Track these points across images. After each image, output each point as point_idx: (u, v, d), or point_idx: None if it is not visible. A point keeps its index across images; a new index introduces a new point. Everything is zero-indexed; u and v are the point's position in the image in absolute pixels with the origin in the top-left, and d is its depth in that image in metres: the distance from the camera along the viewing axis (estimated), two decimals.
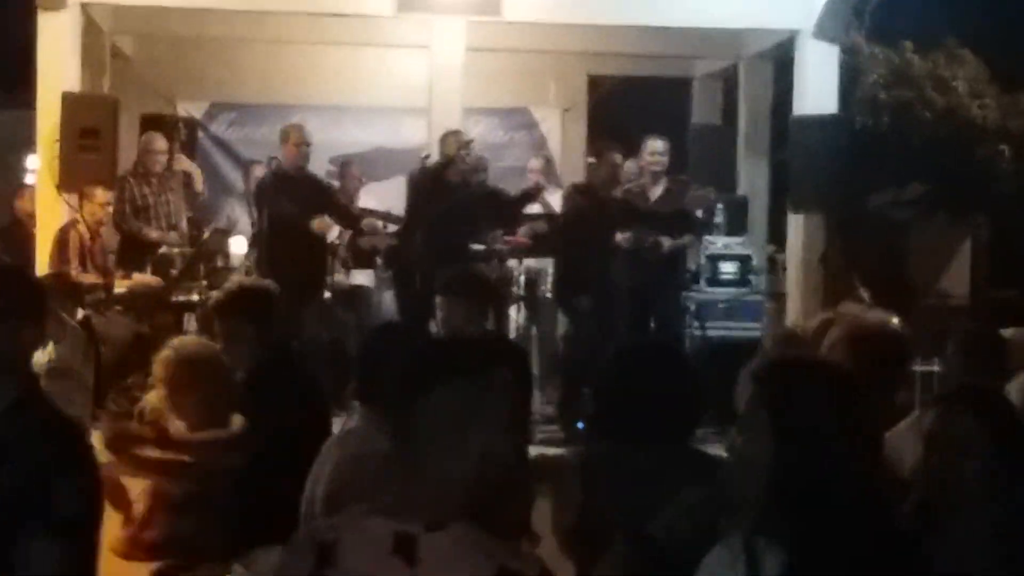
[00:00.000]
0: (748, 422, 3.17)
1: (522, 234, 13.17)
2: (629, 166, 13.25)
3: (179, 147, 14.46)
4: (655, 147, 12.41)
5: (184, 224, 13.36)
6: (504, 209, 12.91)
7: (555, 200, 13.37)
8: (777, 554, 3.02)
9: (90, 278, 12.05)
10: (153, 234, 12.93)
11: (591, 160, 12.51)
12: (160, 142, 13.33)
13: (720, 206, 13.93)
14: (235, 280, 9.01)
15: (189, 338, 8.05)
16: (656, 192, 12.43)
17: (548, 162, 15.41)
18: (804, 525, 3.02)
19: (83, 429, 4.36)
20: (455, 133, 12.45)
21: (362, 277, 13.52)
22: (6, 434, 3.51)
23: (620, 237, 12.14)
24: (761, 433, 3.10)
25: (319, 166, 14.50)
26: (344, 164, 14.45)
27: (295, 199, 11.95)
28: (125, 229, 13.05)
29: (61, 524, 3.42)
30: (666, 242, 12.23)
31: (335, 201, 12.79)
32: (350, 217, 13.03)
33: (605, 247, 12.07)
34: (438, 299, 7.10)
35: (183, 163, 14.43)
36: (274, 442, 5.47)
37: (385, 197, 14.40)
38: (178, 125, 15.18)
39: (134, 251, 12.89)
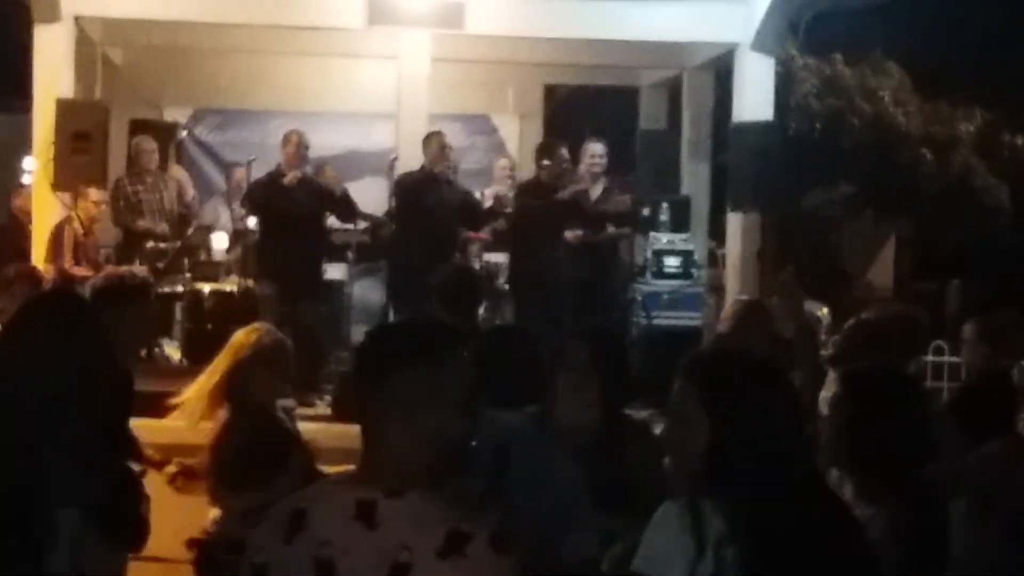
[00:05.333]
0: (678, 411, 3.28)
1: (484, 231, 13.23)
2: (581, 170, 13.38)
3: (173, 150, 14.42)
4: (595, 150, 12.61)
5: (176, 218, 13.35)
6: (475, 212, 12.94)
7: None
8: (720, 517, 3.07)
9: (83, 271, 12.05)
10: (144, 224, 12.93)
11: (545, 163, 12.50)
12: (149, 143, 13.36)
13: (665, 205, 13.97)
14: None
15: None
16: (597, 191, 12.55)
17: (511, 165, 15.45)
18: (740, 496, 3.10)
19: None
20: (437, 134, 12.39)
21: (335, 271, 13.50)
22: None
23: (569, 235, 12.27)
24: (691, 418, 3.20)
25: None
26: (319, 166, 14.44)
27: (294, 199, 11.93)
28: (120, 223, 13.06)
29: None
30: (609, 230, 12.38)
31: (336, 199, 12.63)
32: (351, 214, 12.84)
33: (552, 242, 12.14)
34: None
35: (177, 172, 14.41)
36: None
37: (357, 197, 14.39)
38: (169, 129, 15.17)
39: (132, 247, 12.89)
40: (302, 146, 12.16)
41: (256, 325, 6.17)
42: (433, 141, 12.33)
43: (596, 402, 4.78)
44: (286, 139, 12.30)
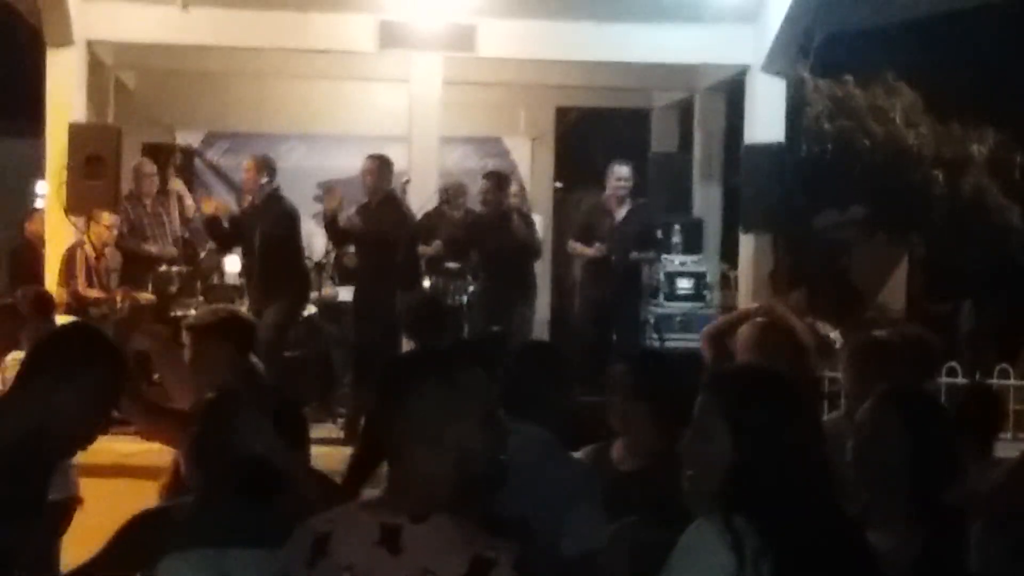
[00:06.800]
0: (701, 426, 3.26)
1: None
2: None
3: (174, 171, 14.37)
4: (621, 172, 12.62)
5: (180, 242, 13.35)
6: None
7: (538, 221, 13.58)
8: (754, 532, 3.05)
9: (95, 293, 12.10)
10: (152, 249, 12.93)
11: (558, 185, 12.54)
12: (149, 166, 13.33)
13: (677, 227, 14.00)
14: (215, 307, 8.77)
15: None
16: (621, 212, 12.56)
17: (520, 188, 15.44)
18: (765, 512, 3.09)
19: None
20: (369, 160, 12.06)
21: (345, 293, 13.51)
22: None
23: (593, 248, 12.32)
24: (714, 433, 3.20)
25: (309, 191, 14.59)
26: (328, 188, 14.43)
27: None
28: (124, 247, 13.06)
29: None
30: (633, 255, 12.39)
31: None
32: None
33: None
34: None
35: (177, 184, 14.35)
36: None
37: None
38: (176, 152, 15.16)
39: (136, 270, 12.88)
40: (260, 169, 12.00)
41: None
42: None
43: (647, 428, 4.77)
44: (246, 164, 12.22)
